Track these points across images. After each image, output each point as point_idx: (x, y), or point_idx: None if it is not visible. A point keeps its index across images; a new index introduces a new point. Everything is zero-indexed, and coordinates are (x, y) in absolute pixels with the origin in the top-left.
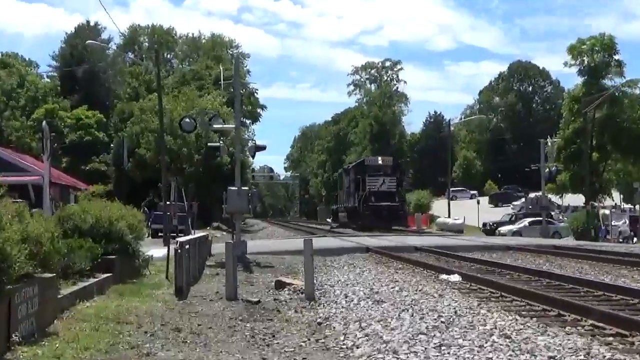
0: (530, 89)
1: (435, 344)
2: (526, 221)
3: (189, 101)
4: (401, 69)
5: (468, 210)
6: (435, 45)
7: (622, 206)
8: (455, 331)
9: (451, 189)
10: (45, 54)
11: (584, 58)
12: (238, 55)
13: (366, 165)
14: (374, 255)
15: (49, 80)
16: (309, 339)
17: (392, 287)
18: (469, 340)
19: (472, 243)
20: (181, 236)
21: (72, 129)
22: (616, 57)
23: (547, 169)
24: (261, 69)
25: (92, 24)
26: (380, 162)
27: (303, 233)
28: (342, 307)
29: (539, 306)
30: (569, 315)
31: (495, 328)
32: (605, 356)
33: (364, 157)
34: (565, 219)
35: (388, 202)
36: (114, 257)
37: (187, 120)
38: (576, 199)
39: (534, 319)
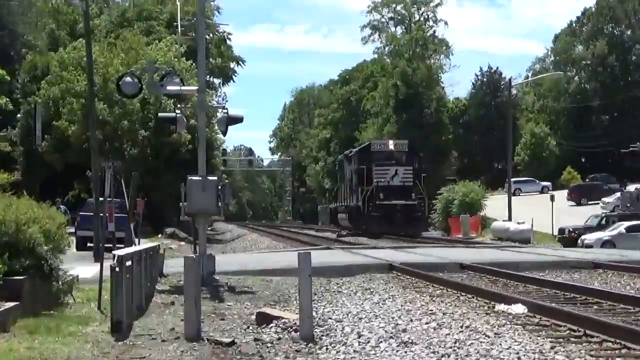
0: (630, 33)
1: None
2: (622, 226)
3: (131, 51)
4: (439, 3)
5: (537, 210)
6: None
7: None
8: None
9: (513, 179)
10: None
11: None
12: None
13: (373, 151)
14: (399, 276)
15: None
16: None
17: (426, 323)
18: None
19: (544, 258)
20: (120, 248)
21: None
22: None
23: None
24: (237, 6)
25: None
26: (391, 146)
27: (298, 243)
28: (354, 351)
29: None
30: None
31: None
32: None
33: (370, 140)
34: None
35: (402, 199)
36: (22, 277)
37: (129, 79)
38: None
39: None
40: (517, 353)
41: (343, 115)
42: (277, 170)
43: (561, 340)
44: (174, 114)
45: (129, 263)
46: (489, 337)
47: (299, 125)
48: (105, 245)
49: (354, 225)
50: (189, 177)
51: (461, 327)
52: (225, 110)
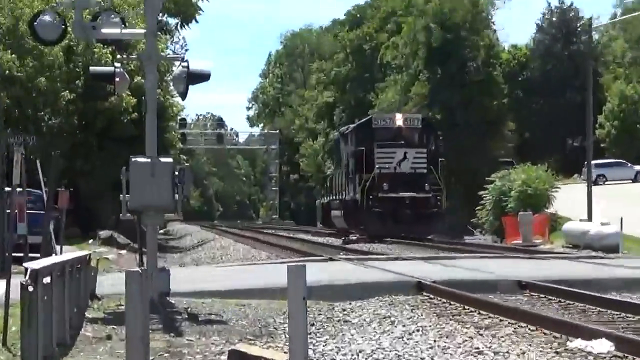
0: None
1: None
2: None
3: None
4: None
5: (629, 206)
6: None
7: None
8: None
9: (595, 162)
10: None
11: None
12: None
13: (375, 128)
14: (432, 299)
15: None
16: None
17: None
18: None
19: (638, 274)
20: (35, 258)
21: None
22: None
23: None
24: None
25: None
26: (399, 122)
27: (288, 252)
28: None
29: None
30: None
31: None
32: None
33: (372, 114)
34: None
35: (412, 191)
36: None
37: (47, 18)
38: None
39: None
40: None
41: (352, 71)
42: (259, 149)
43: None
44: (111, 69)
45: (47, 280)
46: None
47: (289, 84)
48: (14, 254)
49: (350, 225)
50: (133, 159)
51: None
52: (184, 64)
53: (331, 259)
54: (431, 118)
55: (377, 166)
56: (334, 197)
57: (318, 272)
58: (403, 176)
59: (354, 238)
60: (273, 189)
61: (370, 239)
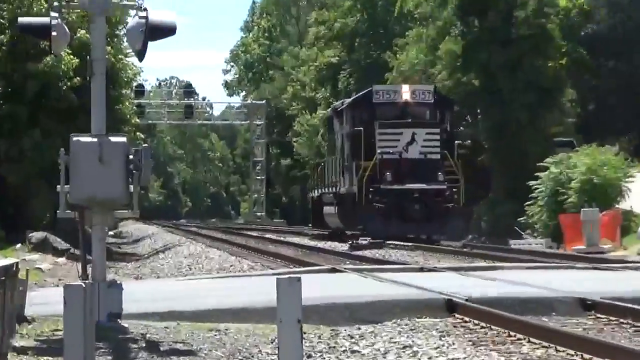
0: None
1: None
2: None
3: None
4: None
5: None
6: None
7: None
8: None
9: None
10: None
11: None
12: None
13: (376, 103)
14: (466, 323)
15: None
16: None
17: None
18: None
19: None
20: None
21: None
22: None
23: None
24: None
25: None
26: (406, 95)
27: (277, 261)
28: None
29: None
30: None
31: None
32: None
33: (373, 86)
34: None
35: (422, 182)
36: None
37: None
38: None
39: None
40: None
41: (363, 23)
42: (240, 125)
43: None
44: (46, 20)
45: None
46: None
47: (279, 40)
48: None
49: (346, 225)
50: (74, 138)
51: None
52: (142, 13)
53: (334, 270)
54: (448, 89)
55: (378, 151)
56: (327, 190)
57: (317, 287)
58: (411, 163)
59: (365, 242)
60: (258, 178)
61: (380, 243)
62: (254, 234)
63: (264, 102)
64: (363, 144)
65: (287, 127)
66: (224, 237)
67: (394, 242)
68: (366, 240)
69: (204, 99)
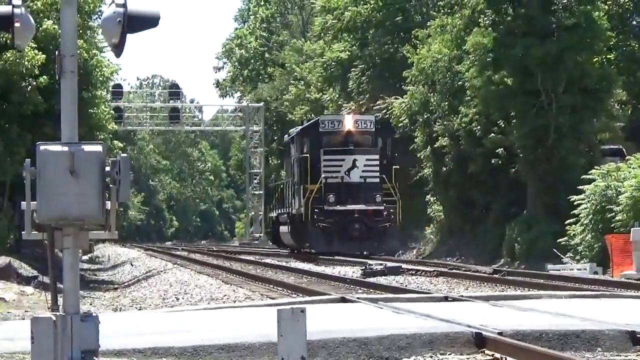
0: None
1: None
2: None
3: None
4: None
5: None
6: None
7: None
8: None
9: None
10: None
11: None
12: None
13: (321, 132)
14: None
15: None
16: None
17: None
18: None
19: None
20: None
21: None
22: None
23: None
24: None
25: None
26: (348, 124)
27: (278, 289)
28: None
29: None
30: None
31: None
32: None
33: (320, 117)
34: None
35: (362, 203)
36: None
37: None
38: None
39: None
40: None
41: (377, 12)
42: (234, 131)
43: None
44: (8, 8)
45: None
46: None
47: (280, 33)
48: None
49: (297, 242)
50: (42, 147)
51: None
52: (120, 1)
53: (344, 300)
54: (477, 89)
55: (323, 175)
56: (283, 211)
57: (324, 320)
58: (352, 186)
59: (379, 268)
60: (256, 193)
61: (397, 269)
62: (251, 258)
63: (262, 104)
64: (310, 169)
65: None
66: (216, 262)
67: (414, 269)
68: (381, 265)
69: (192, 101)
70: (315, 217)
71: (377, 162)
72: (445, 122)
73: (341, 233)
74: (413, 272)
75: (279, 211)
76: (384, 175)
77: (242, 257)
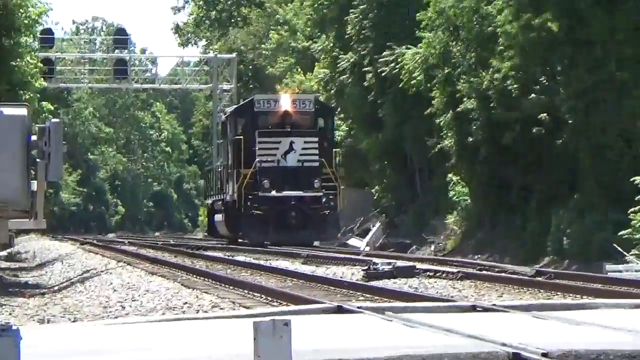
0: None
1: None
2: None
3: None
4: None
5: None
6: None
7: None
8: None
9: None
10: None
11: None
12: None
13: (257, 111)
14: None
15: None
16: None
17: None
18: None
19: None
20: None
21: None
22: None
23: None
24: None
25: None
26: (284, 104)
27: (256, 296)
28: None
29: None
30: None
31: None
32: None
33: (253, 94)
34: None
35: (299, 189)
36: None
37: None
38: None
39: None
40: None
41: None
42: (198, 91)
43: None
44: None
45: None
46: None
47: None
48: None
49: (232, 232)
50: None
51: None
52: None
53: (341, 309)
54: (512, 37)
55: (257, 159)
56: (217, 197)
57: (315, 336)
58: (288, 171)
59: (387, 268)
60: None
61: (410, 269)
62: (220, 254)
63: (234, 55)
64: (243, 152)
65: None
66: (174, 259)
67: (432, 269)
68: (389, 264)
69: (143, 51)
70: (248, 204)
71: (316, 145)
72: (471, 79)
73: (276, 222)
74: (431, 273)
75: (214, 198)
76: (323, 159)
77: (207, 253)
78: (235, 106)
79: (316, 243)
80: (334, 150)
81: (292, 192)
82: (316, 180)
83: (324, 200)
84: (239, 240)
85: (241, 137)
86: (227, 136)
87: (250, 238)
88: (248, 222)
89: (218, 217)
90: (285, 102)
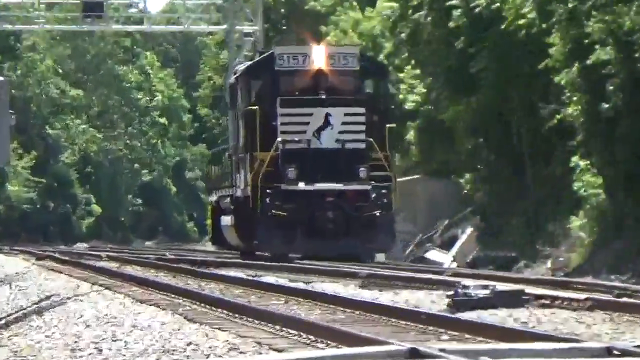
0: None
1: None
2: None
3: None
4: None
5: None
6: None
7: None
8: None
9: None
10: None
11: None
12: None
13: (277, 70)
14: None
15: None
16: None
17: None
18: None
19: None
20: None
21: None
22: None
23: None
24: None
25: None
26: (319, 59)
27: (289, 333)
28: None
29: None
30: None
31: None
32: None
33: (274, 47)
34: None
35: (338, 181)
36: None
37: None
38: None
39: None
40: None
41: None
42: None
43: None
44: None
45: None
46: None
47: None
48: None
49: (245, 241)
50: None
51: None
52: None
53: (416, 353)
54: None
55: (279, 138)
56: (225, 192)
57: None
58: (324, 155)
59: (481, 294)
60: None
61: (518, 294)
62: (238, 273)
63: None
64: (259, 128)
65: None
66: (172, 280)
67: (548, 294)
68: (486, 288)
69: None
70: (267, 201)
71: (363, 119)
72: (606, 17)
73: (307, 226)
74: (546, 301)
75: (221, 193)
76: (372, 139)
77: (220, 271)
78: (249, 63)
79: (379, 257)
80: (388, 125)
81: (329, 184)
82: (362, 168)
83: (373, 195)
84: (256, 252)
85: (256, 107)
86: (237, 106)
87: (270, 249)
88: (266, 227)
89: (225, 220)
90: (319, 56)
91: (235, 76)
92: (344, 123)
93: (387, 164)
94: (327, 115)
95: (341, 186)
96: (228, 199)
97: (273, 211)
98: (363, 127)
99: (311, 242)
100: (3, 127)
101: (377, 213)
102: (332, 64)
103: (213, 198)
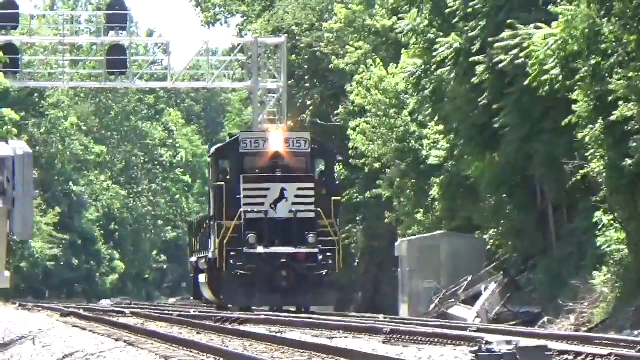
0: None
1: None
2: None
3: None
4: None
5: None
6: None
7: None
8: None
9: None
10: None
11: None
12: None
13: (242, 152)
14: None
15: None
16: None
17: None
18: None
19: None
20: None
21: None
22: None
23: None
24: None
25: None
26: (276, 144)
27: None
28: None
29: None
30: None
31: None
32: None
33: (239, 132)
34: None
35: (291, 245)
36: None
37: None
38: None
39: None
40: None
41: None
42: (230, 91)
43: None
44: None
45: None
46: None
47: None
48: None
49: (216, 296)
50: None
51: None
52: None
53: None
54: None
55: (242, 209)
56: (202, 255)
57: None
58: (279, 223)
59: (504, 350)
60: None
61: (542, 351)
62: (262, 330)
63: (282, 39)
64: (226, 200)
65: (332, 95)
66: (196, 337)
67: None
68: (509, 343)
69: (150, 33)
70: (231, 262)
71: (312, 192)
72: (630, 74)
73: (264, 283)
74: (570, 357)
75: (199, 255)
76: (320, 209)
77: (246, 328)
78: (218, 145)
79: (403, 312)
80: (334, 198)
81: (283, 248)
82: (311, 235)
83: (320, 257)
84: (225, 305)
85: (223, 182)
86: (209, 181)
87: (234, 302)
88: (230, 284)
89: (202, 278)
90: (276, 140)
91: (208, 155)
92: (296, 196)
93: (333, 231)
94: (283, 189)
95: (293, 249)
96: (203, 260)
97: (237, 271)
98: (313, 199)
99: (269, 297)
100: (27, 203)
101: (324, 272)
102: (288, 146)
103: (193, 259)
